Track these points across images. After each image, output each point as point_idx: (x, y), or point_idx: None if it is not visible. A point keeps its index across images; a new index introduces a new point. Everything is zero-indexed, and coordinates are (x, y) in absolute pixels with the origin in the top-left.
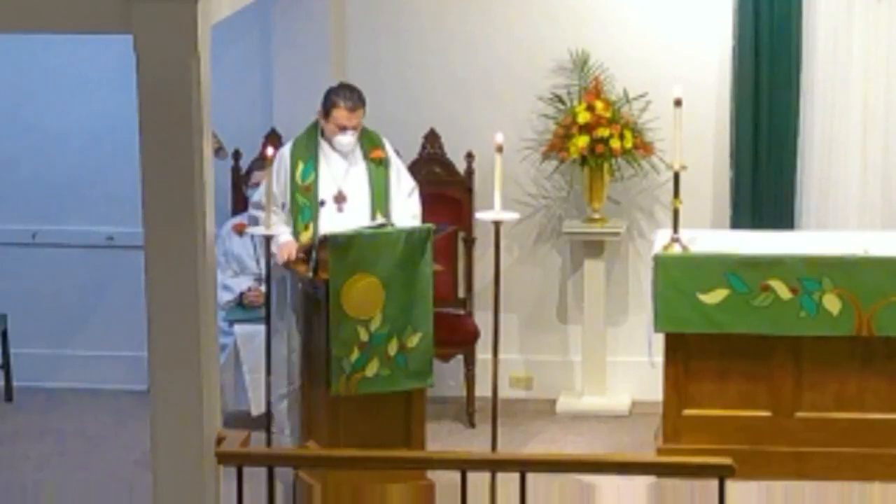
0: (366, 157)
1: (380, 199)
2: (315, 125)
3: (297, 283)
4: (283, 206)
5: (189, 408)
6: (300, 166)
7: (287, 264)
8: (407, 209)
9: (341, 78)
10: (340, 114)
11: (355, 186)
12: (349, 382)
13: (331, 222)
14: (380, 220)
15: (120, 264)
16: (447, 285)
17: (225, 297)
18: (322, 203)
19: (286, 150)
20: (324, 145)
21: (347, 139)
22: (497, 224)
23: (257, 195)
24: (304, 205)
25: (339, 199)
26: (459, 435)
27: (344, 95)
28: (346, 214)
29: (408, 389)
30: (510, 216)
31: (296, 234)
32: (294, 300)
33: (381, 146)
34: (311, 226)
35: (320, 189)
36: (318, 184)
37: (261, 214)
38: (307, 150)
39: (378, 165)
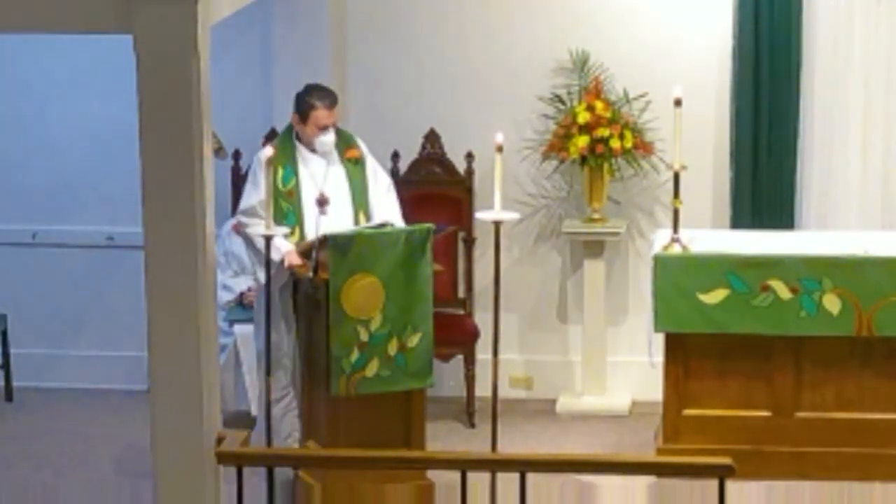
0: (342, 157)
1: (360, 198)
2: (289, 130)
3: (297, 283)
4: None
5: (189, 408)
6: (280, 172)
7: (292, 268)
8: (387, 205)
9: (341, 78)
10: (320, 114)
11: (335, 188)
12: (349, 382)
13: (315, 225)
14: (379, 220)
15: (120, 264)
16: (447, 285)
17: (225, 297)
18: (322, 203)
19: (264, 156)
20: (300, 149)
21: (329, 138)
22: (497, 224)
23: (244, 202)
24: (287, 210)
25: (322, 202)
26: (459, 435)
27: (320, 95)
28: (329, 217)
29: (408, 389)
30: (510, 216)
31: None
32: (285, 300)
33: (355, 145)
34: (297, 230)
35: (303, 192)
36: (300, 188)
37: (250, 221)
38: (285, 156)
39: (355, 165)
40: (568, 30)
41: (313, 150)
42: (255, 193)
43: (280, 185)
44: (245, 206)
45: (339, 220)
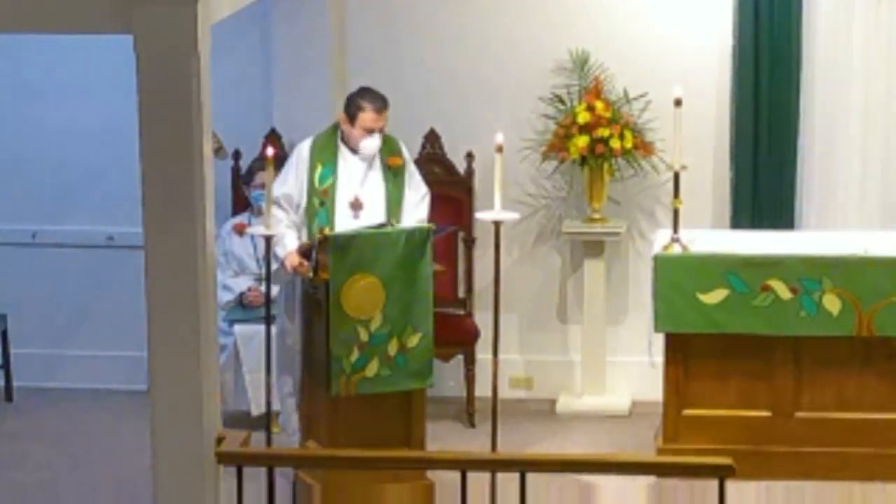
0: (383, 163)
1: (395, 207)
2: (335, 128)
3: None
4: (299, 206)
5: (189, 408)
6: (319, 169)
7: (296, 271)
8: (415, 215)
9: (341, 78)
10: (368, 116)
11: (372, 193)
12: (349, 382)
13: (345, 228)
14: (380, 220)
15: (120, 264)
16: (447, 285)
17: (225, 297)
18: (322, 204)
19: (305, 149)
20: (342, 149)
21: (374, 142)
22: (497, 224)
23: (278, 190)
24: (320, 208)
25: (356, 205)
26: (459, 435)
27: (370, 98)
28: (361, 221)
29: (408, 389)
30: (510, 216)
31: (310, 237)
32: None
33: (398, 153)
34: (327, 230)
35: (337, 194)
36: (335, 188)
37: (280, 213)
38: (326, 153)
39: (395, 174)
40: (568, 30)
41: (356, 153)
42: (283, 186)
43: (316, 183)
44: (278, 195)
45: (370, 225)
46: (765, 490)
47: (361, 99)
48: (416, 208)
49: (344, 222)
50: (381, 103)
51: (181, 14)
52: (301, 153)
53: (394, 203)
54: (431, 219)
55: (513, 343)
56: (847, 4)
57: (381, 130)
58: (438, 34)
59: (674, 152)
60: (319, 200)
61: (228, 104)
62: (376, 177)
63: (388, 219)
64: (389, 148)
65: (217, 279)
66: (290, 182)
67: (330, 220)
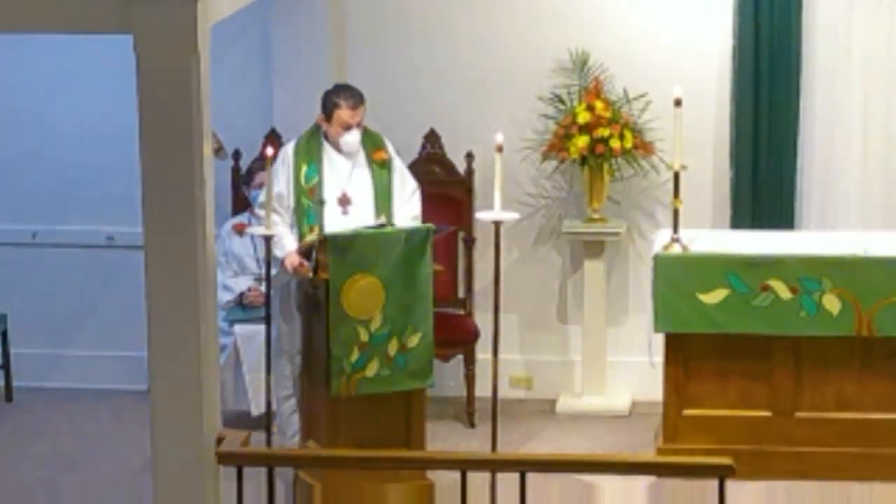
0: (369, 158)
1: (383, 201)
2: (317, 127)
3: (300, 283)
4: (289, 207)
5: (189, 408)
6: (304, 168)
7: (296, 271)
8: (408, 211)
9: (342, 78)
10: (344, 113)
11: (359, 189)
12: (349, 382)
13: (335, 225)
14: (380, 220)
15: (120, 264)
16: (447, 285)
17: (225, 297)
18: (322, 202)
19: (289, 150)
20: (327, 147)
21: (353, 137)
22: (497, 224)
23: (263, 196)
24: (308, 207)
25: (344, 201)
26: (459, 435)
27: (344, 95)
28: (350, 217)
29: (408, 389)
30: (510, 216)
31: (301, 236)
32: (298, 300)
33: (383, 147)
34: (317, 228)
35: (325, 191)
36: (322, 186)
37: (262, 213)
38: (310, 152)
39: (381, 168)
40: (568, 30)
41: (340, 150)
42: (274, 187)
43: (303, 182)
44: (262, 199)
45: (360, 221)
46: (765, 490)
47: (336, 96)
48: (408, 203)
49: (333, 219)
50: (356, 98)
51: (181, 14)
52: (287, 154)
53: (382, 197)
54: (431, 219)
55: (513, 343)
56: (847, 5)
57: (358, 125)
58: (438, 34)
59: (674, 152)
60: (307, 198)
61: (228, 104)
62: (362, 172)
63: (376, 214)
64: (373, 143)
65: (217, 279)
66: (281, 183)
67: (319, 218)
